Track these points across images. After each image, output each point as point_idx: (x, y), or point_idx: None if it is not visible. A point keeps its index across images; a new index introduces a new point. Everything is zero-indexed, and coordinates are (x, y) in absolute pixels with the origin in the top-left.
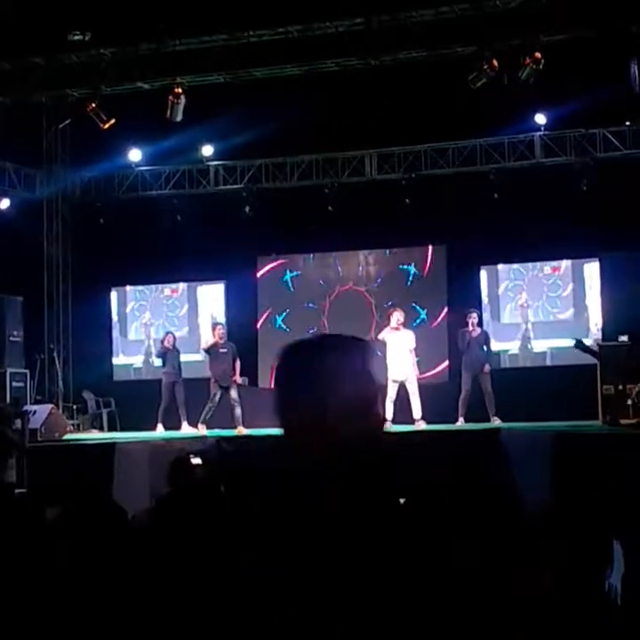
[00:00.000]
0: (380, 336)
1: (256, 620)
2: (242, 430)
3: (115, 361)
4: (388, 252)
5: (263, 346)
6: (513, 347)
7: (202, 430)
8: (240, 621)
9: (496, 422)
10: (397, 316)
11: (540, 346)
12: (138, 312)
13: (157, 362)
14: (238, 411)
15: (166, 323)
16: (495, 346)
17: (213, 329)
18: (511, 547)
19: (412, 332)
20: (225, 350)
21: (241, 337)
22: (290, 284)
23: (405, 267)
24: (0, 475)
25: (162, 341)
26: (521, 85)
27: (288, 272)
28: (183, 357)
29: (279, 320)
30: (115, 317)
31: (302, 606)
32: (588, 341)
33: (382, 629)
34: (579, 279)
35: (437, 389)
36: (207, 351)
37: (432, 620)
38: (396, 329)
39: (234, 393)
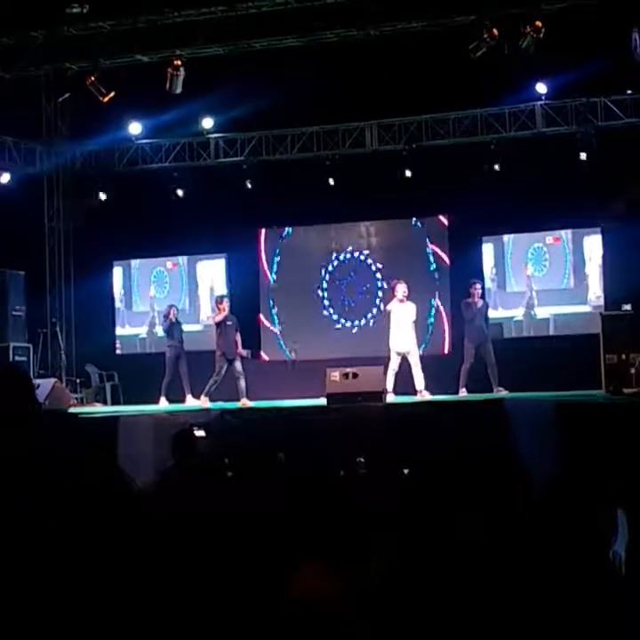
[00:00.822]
0: (388, 307)
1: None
2: (246, 402)
3: (120, 331)
4: (389, 223)
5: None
6: (517, 314)
7: (205, 403)
8: (245, 594)
9: (501, 392)
10: (402, 288)
11: (543, 312)
12: (142, 285)
13: (160, 331)
14: (242, 383)
15: (167, 295)
16: (501, 313)
17: (220, 302)
18: (515, 519)
19: (414, 305)
20: (230, 323)
21: (243, 310)
22: (291, 256)
23: (408, 235)
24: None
25: (165, 315)
26: (521, 54)
27: (289, 242)
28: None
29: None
30: (120, 291)
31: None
32: (586, 308)
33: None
34: (578, 249)
35: (439, 360)
36: (217, 324)
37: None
38: (402, 301)
39: (238, 365)
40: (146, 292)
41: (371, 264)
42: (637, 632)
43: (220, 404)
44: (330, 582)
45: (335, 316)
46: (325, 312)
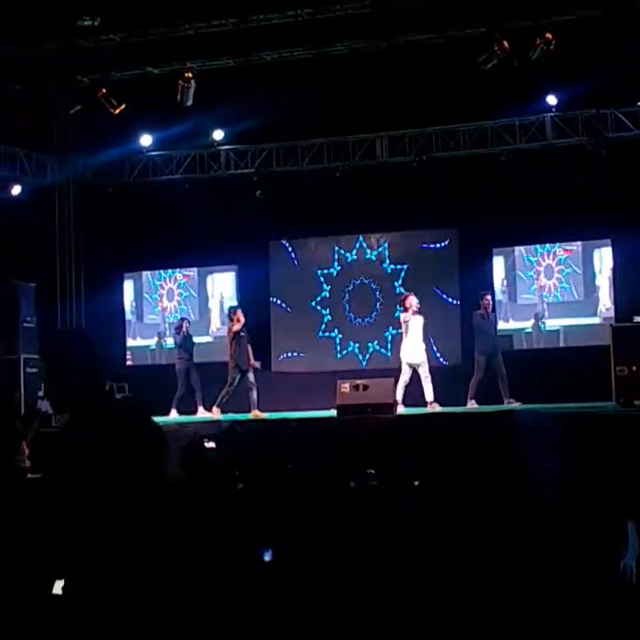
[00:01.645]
0: (405, 318)
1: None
2: (258, 414)
3: (131, 343)
4: (399, 235)
5: (277, 330)
6: (528, 325)
7: (216, 414)
8: (252, 605)
9: (512, 404)
10: (415, 300)
11: (553, 324)
12: (155, 297)
13: (170, 342)
14: (254, 394)
15: (179, 307)
16: (511, 325)
17: (234, 312)
18: (525, 528)
19: (423, 318)
20: (243, 334)
21: (254, 321)
22: (301, 269)
23: (419, 247)
24: (11, 460)
25: (177, 328)
26: (532, 66)
27: (299, 255)
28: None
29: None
30: (132, 302)
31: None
32: (597, 320)
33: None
34: (588, 261)
35: (449, 372)
36: (233, 335)
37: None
38: (415, 313)
39: (251, 377)
40: (159, 304)
41: (381, 276)
42: None
43: (231, 416)
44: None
45: (339, 338)
46: (329, 333)
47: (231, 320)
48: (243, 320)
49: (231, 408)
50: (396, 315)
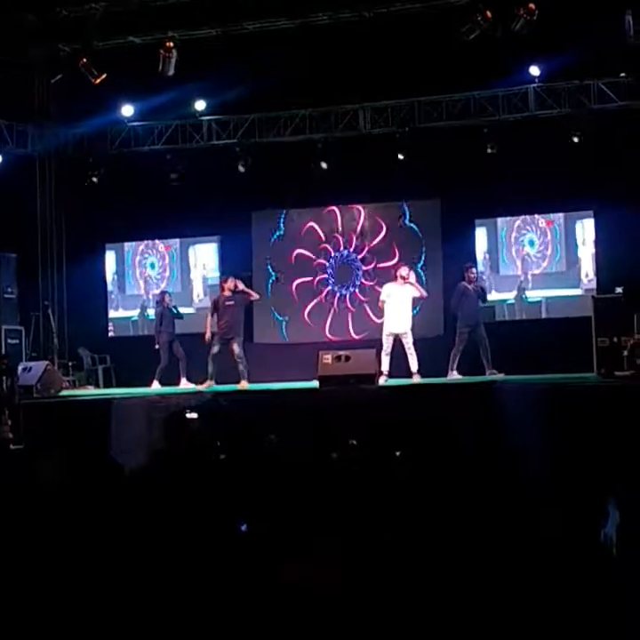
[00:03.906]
0: (386, 288)
1: (256, 574)
2: (244, 385)
3: (114, 314)
4: (382, 206)
5: (259, 301)
6: (510, 296)
7: (210, 386)
8: (239, 574)
9: (495, 375)
10: (405, 271)
11: (534, 295)
12: (137, 268)
13: (151, 313)
14: (241, 366)
15: (159, 278)
16: (493, 296)
17: (224, 281)
18: (506, 501)
19: (419, 288)
20: (231, 302)
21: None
22: (284, 239)
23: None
24: None
25: (160, 301)
26: (515, 37)
27: (282, 226)
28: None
29: (274, 275)
30: (114, 274)
31: (305, 561)
32: (578, 291)
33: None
34: (571, 233)
35: (432, 343)
36: (214, 306)
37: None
38: (401, 283)
39: (237, 348)
40: (142, 275)
41: (361, 248)
42: (633, 616)
43: (215, 387)
44: (325, 569)
45: (321, 308)
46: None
47: (235, 287)
48: (229, 290)
49: (218, 380)
50: (382, 284)
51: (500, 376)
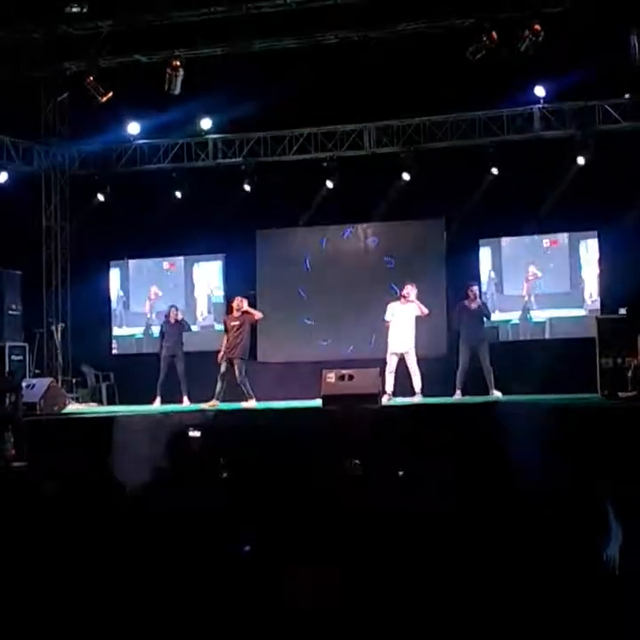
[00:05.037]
0: (390, 307)
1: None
2: (250, 404)
3: (118, 331)
4: (386, 225)
5: (263, 320)
6: (514, 317)
7: (214, 405)
8: (241, 593)
9: (495, 395)
10: (408, 289)
11: (539, 316)
12: (142, 286)
13: (156, 330)
14: (243, 388)
15: (166, 296)
16: (497, 316)
17: (232, 301)
18: (508, 520)
19: (420, 306)
20: (236, 323)
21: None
22: (290, 258)
23: (405, 237)
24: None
25: (167, 315)
26: (520, 58)
27: (288, 245)
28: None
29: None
30: (119, 292)
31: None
32: (582, 312)
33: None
34: (575, 253)
35: (436, 363)
36: (224, 326)
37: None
38: (403, 302)
39: (236, 370)
40: (144, 293)
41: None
42: (635, 630)
43: (220, 405)
44: (326, 583)
45: (326, 328)
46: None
47: (245, 306)
48: (237, 310)
49: (226, 398)
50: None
51: (497, 396)
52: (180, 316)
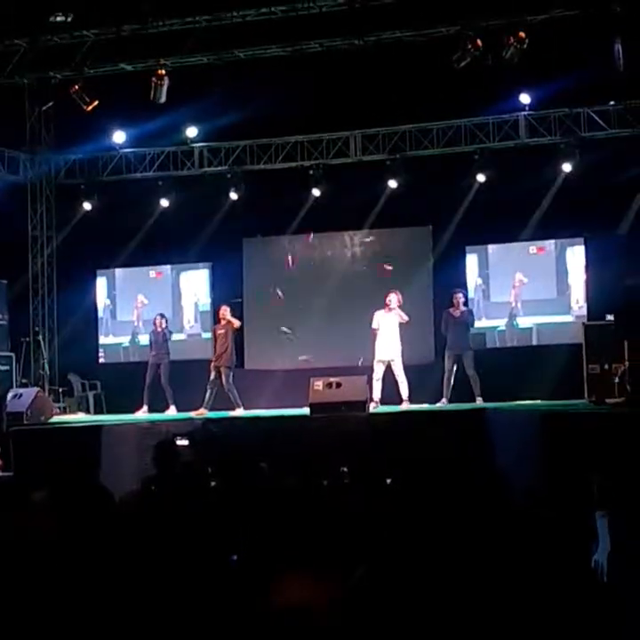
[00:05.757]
0: (375, 316)
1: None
2: (238, 412)
3: (104, 340)
4: (372, 233)
5: (250, 328)
6: (501, 323)
7: (202, 414)
8: (232, 602)
9: (479, 402)
10: (393, 297)
11: (526, 322)
12: (129, 295)
13: (144, 340)
14: (231, 396)
15: (152, 305)
16: (484, 323)
17: (219, 309)
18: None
19: (400, 314)
20: (222, 331)
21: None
22: (276, 265)
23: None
24: None
25: (154, 322)
26: (505, 65)
27: (273, 253)
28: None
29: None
30: (106, 300)
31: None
32: (569, 318)
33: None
34: (561, 259)
35: (423, 370)
36: (213, 334)
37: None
38: (389, 310)
39: (223, 378)
40: (131, 301)
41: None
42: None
43: (208, 414)
44: (314, 592)
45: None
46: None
47: (229, 316)
48: (223, 319)
49: (216, 406)
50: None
51: (479, 402)
52: (163, 324)
